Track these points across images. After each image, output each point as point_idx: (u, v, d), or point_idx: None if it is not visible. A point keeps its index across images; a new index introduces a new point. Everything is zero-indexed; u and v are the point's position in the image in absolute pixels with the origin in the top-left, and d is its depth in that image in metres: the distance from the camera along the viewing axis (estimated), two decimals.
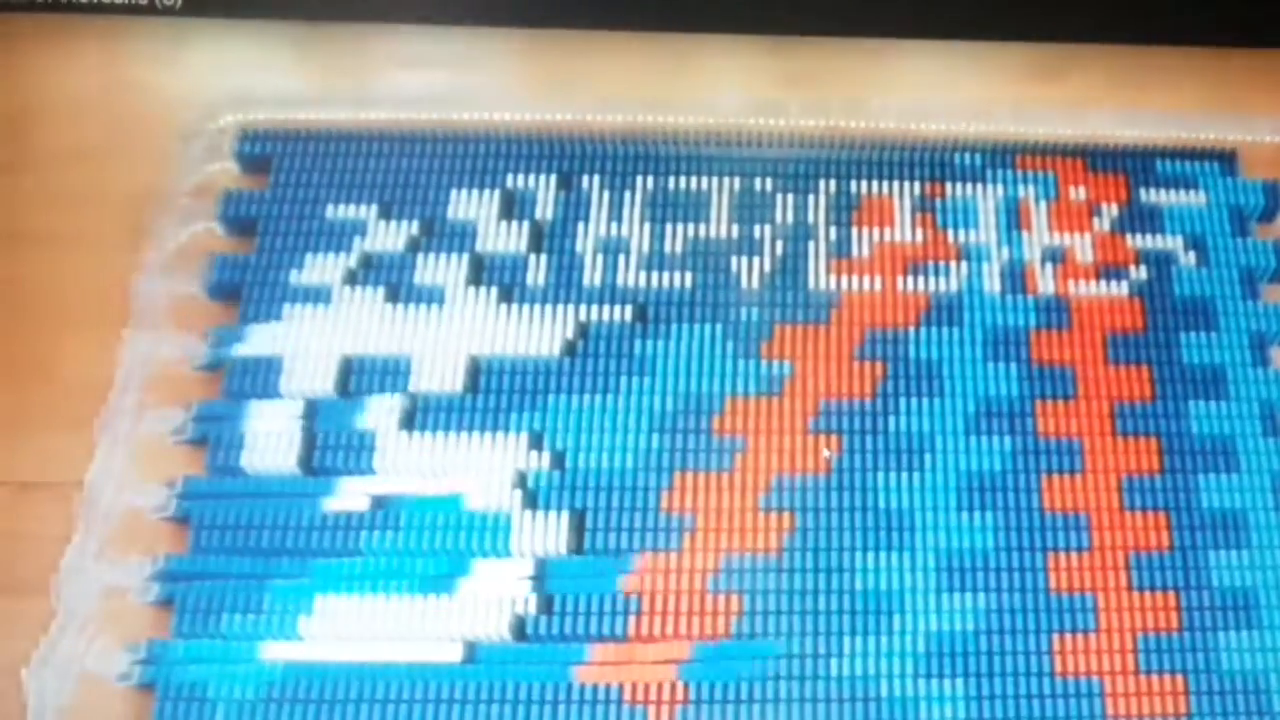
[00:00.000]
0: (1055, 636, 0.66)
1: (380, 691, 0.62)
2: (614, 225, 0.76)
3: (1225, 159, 0.81)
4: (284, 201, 0.76)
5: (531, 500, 0.68)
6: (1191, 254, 0.77)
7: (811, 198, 0.78)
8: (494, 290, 0.73)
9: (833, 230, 0.77)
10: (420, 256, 0.75)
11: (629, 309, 0.73)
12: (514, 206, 0.77)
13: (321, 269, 0.74)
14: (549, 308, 0.73)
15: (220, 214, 0.75)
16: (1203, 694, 0.64)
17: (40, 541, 0.65)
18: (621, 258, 0.75)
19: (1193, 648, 0.66)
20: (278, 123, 0.79)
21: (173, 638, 0.64)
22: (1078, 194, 0.79)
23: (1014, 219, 0.78)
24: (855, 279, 0.75)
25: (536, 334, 0.73)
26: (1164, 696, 0.64)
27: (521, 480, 0.68)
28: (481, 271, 0.75)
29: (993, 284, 0.75)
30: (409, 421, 0.70)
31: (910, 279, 0.75)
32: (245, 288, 0.73)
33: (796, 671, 0.64)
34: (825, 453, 0.69)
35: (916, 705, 0.63)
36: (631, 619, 0.65)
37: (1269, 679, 0.65)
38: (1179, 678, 0.65)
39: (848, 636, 0.65)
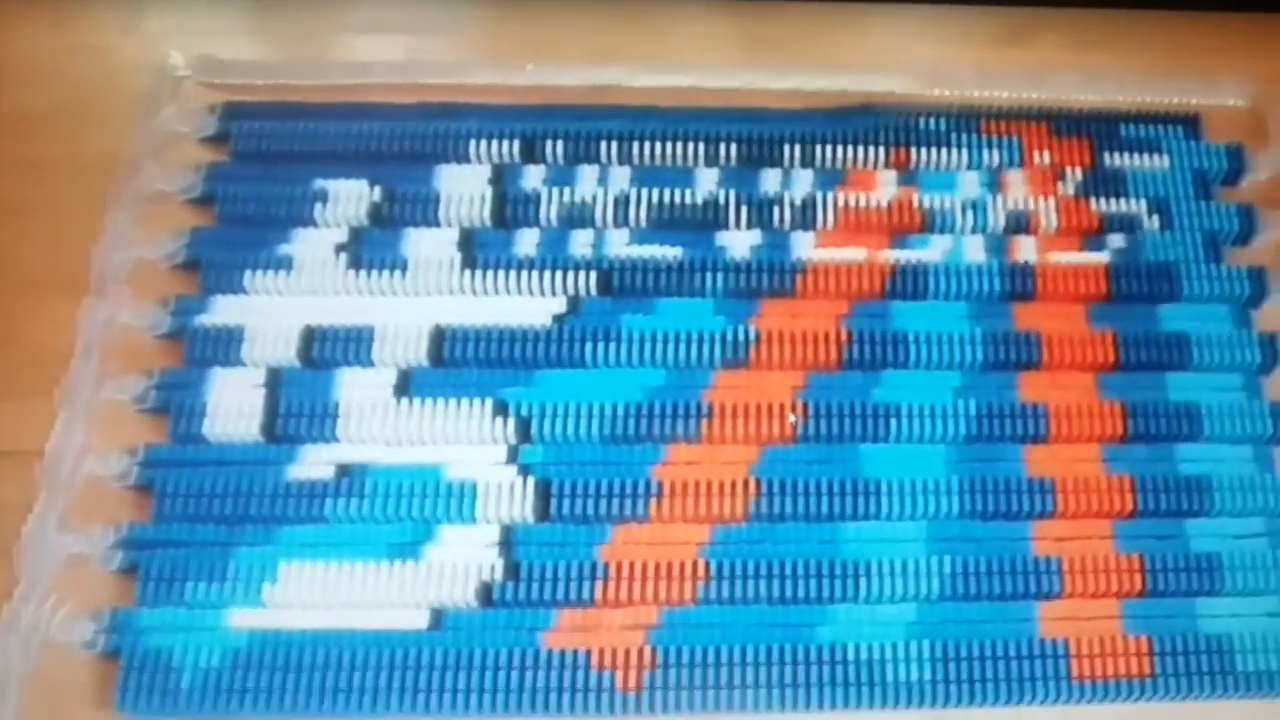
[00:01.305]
0: (1029, 601, 0.66)
1: (346, 658, 0.62)
2: (579, 192, 0.75)
3: (1189, 122, 0.82)
4: (245, 170, 0.76)
5: (499, 469, 0.68)
6: (1155, 218, 0.77)
7: (780, 165, 0.78)
8: (459, 259, 0.73)
9: (804, 197, 0.76)
10: (383, 225, 0.74)
11: (595, 278, 0.73)
12: (478, 174, 0.76)
13: (283, 238, 0.73)
14: (515, 276, 0.72)
15: (180, 183, 0.74)
16: (1167, 655, 0.65)
17: (2, 510, 0.65)
18: (588, 226, 0.75)
19: (1161, 613, 0.66)
20: (237, 89, 0.78)
21: (137, 606, 0.63)
22: (1042, 159, 0.79)
23: (985, 184, 0.78)
24: (829, 249, 0.75)
25: (502, 303, 0.72)
26: (1129, 658, 0.65)
27: (489, 449, 0.68)
28: (446, 240, 0.74)
29: (965, 251, 0.75)
30: (373, 390, 0.69)
31: (883, 247, 0.75)
32: (207, 257, 0.72)
33: (764, 637, 0.64)
34: (791, 418, 0.69)
35: (883, 667, 0.63)
36: (599, 585, 0.64)
37: (1232, 640, 0.65)
38: (1144, 639, 0.65)
39: (817, 602, 0.65)
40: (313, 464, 0.67)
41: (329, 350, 0.70)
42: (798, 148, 0.78)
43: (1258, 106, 0.82)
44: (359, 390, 0.69)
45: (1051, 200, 0.77)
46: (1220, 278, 0.75)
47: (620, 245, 0.74)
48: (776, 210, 0.76)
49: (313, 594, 0.64)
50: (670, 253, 0.74)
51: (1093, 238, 0.77)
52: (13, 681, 0.61)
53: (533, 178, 0.76)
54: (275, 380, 0.69)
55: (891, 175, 0.78)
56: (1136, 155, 0.79)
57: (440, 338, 0.70)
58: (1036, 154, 0.79)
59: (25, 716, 0.61)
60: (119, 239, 0.72)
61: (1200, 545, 0.68)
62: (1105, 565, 0.67)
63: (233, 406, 0.68)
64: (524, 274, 0.72)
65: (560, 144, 0.77)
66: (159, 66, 0.78)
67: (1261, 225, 0.77)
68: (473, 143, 0.76)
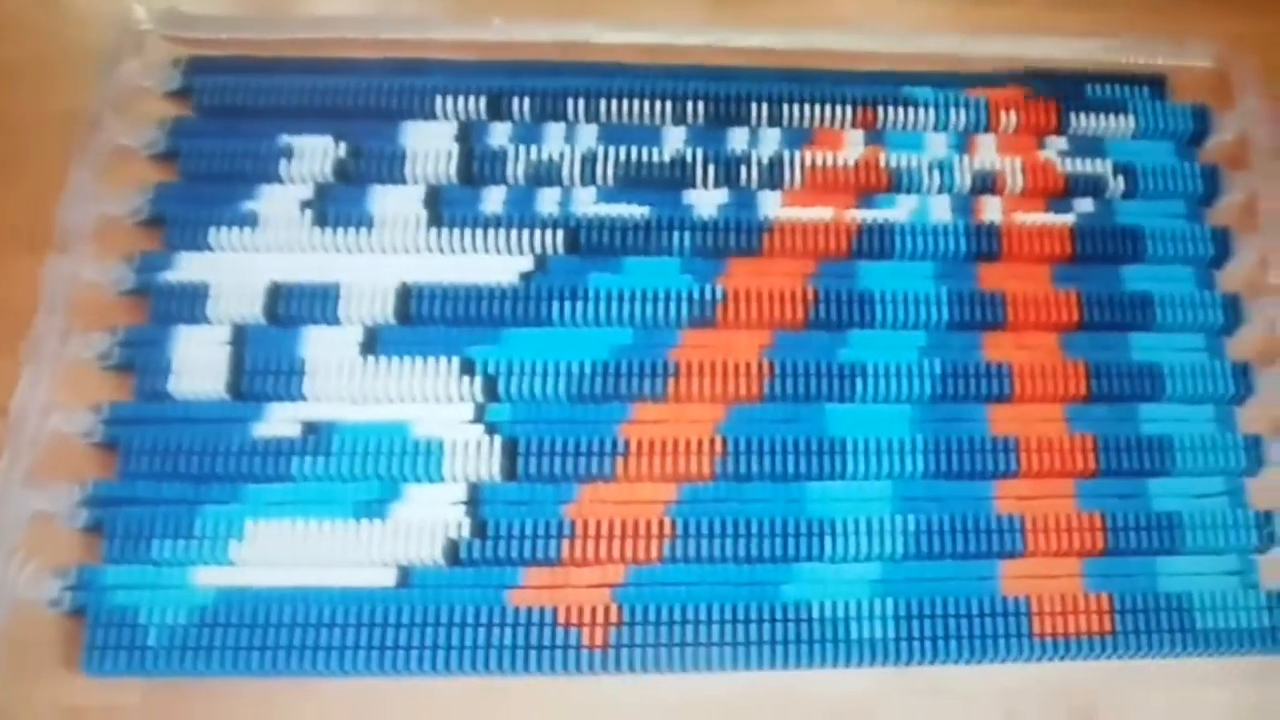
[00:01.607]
0: (992, 559, 0.67)
1: (313, 615, 0.62)
2: (546, 150, 0.75)
3: (1155, 83, 0.82)
4: (209, 125, 0.75)
5: (466, 427, 0.68)
6: (1120, 179, 0.77)
7: (747, 124, 0.77)
8: (425, 216, 0.72)
9: (771, 157, 0.76)
10: (348, 182, 0.74)
11: (562, 236, 0.72)
12: (445, 130, 0.76)
13: (248, 194, 0.73)
14: (481, 234, 0.72)
15: (144, 138, 0.73)
16: (1128, 612, 0.66)
17: None
18: (555, 184, 0.75)
19: (1122, 571, 0.67)
20: (202, 43, 0.78)
21: (103, 563, 0.63)
22: (1009, 120, 0.78)
23: (952, 145, 0.78)
24: (796, 209, 0.75)
25: (469, 261, 0.72)
26: (1090, 615, 0.66)
27: (456, 407, 0.68)
28: (412, 197, 0.73)
29: (931, 211, 0.76)
30: (340, 348, 0.69)
31: (849, 207, 0.75)
32: (171, 213, 0.72)
33: (730, 595, 0.64)
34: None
35: (848, 625, 0.64)
36: (566, 543, 0.65)
37: (1192, 598, 0.66)
38: (1105, 597, 0.66)
39: (783, 561, 0.66)
40: (279, 422, 0.67)
41: (295, 307, 0.70)
42: (765, 106, 0.77)
43: (1223, 67, 0.82)
44: (325, 348, 0.69)
45: (1018, 161, 0.77)
46: (1184, 238, 0.76)
47: (587, 203, 0.74)
48: (744, 169, 0.75)
49: (279, 552, 0.64)
50: (637, 211, 0.74)
51: (1059, 199, 0.77)
52: None
53: (499, 135, 0.76)
54: (241, 337, 0.69)
55: (859, 135, 0.77)
56: (1103, 117, 0.79)
57: (407, 295, 0.70)
58: (1004, 114, 0.78)
59: None
60: (82, 195, 0.71)
61: (1161, 504, 0.69)
62: (1067, 524, 0.67)
63: (198, 364, 0.68)
64: (491, 232, 0.72)
65: (527, 101, 0.76)
66: (122, 20, 0.77)
67: (1226, 186, 0.78)
68: (439, 99, 0.76)
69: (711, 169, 0.75)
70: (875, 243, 0.74)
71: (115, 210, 0.71)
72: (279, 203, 0.73)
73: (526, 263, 0.72)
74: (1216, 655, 0.67)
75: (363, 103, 0.76)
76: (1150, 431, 0.70)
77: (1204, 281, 0.75)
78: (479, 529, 0.65)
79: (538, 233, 0.72)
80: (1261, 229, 0.76)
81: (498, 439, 0.67)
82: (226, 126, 0.75)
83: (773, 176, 0.75)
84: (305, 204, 0.73)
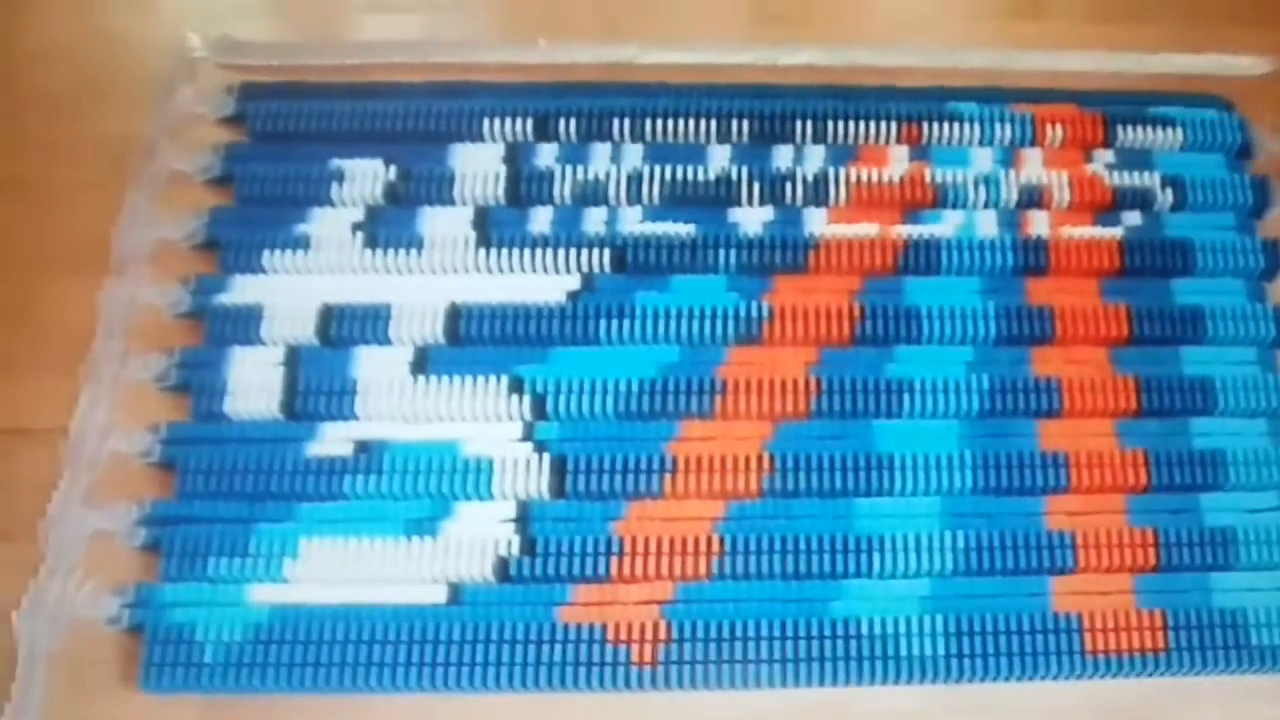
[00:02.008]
0: (1043, 575, 0.67)
1: (365, 632, 0.63)
2: (592, 170, 0.76)
3: (1204, 96, 0.81)
4: (262, 150, 0.76)
5: (515, 445, 0.68)
6: (1169, 192, 0.77)
7: (792, 141, 0.78)
8: (474, 237, 0.73)
9: (816, 173, 0.76)
10: (398, 204, 0.75)
11: (609, 255, 0.73)
12: (492, 152, 0.77)
13: (300, 217, 0.74)
14: (529, 253, 0.73)
15: (199, 163, 0.75)
16: (1181, 629, 0.65)
17: (27, 487, 0.66)
18: (602, 203, 0.75)
19: (1175, 588, 0.67)
20: (254, 70, 0.79)
21: (160, 581, 0.64)
22: (1055, 133, 0.78)
23: (998, 160, 0.78)
24: (842, 225, 0.75)
25: (517, 281, 0.73)
26: (1143, 632, 0.65)
27: (505, 426, 0.69)
28: (460, 218, 0.74)
29: (978, 226, 0.75)
30: (391, 367, 0.70)
31: (895, 222, 0.75)
32: (225, 236, 0.73)
33: (779, 612, 0.64)
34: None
35: (897, 642, 0.64)
36: (614, 560, 0.65)
37: (1246, 614, 0.66)
38: (1158, 614, 0.65)
39: (831, 577, 0.66)
40: (332, 441, 0.68)
41: (347, 328, 0.71)
42: (809, 123, 0.78)
43: (1275, 78, 0.81)
44: (377, 368, 0.70)
45: (1065, 175, 0.77)
46: (1234, 251, 0.75)
47: (634, 222, 0.74)
48: (789, 186, 0.76)
49: (332, 569, 0.65)
50: (683, 230, 0.74)
51: (1106, 213, 0.76)
52: (39, 658, 0.62)
53: (546, 155, 0.76)
54: (294, 358, 0.70)
55: (904, 151, 0.78)
56: (1151, 129, 0.79)
57: (456, 315, 0.71)
58: (1050, 128, 0.78)
59: (51, 693, 0.62)
60: (139, 219, 0.73)
61: (1214, 520, 0.68)
62: (1119, 540, 0.67)
63: (253, 384, 0.69)
64: (538, 251, 0.73)
65: (573, 121, 0.77)
66: (176, 48, 0.79)
67: (1276, 198, 0.77)
68: (486, 121, 0.77)
69: (756, 187, 0.75)
70: (921, 258, 0.74)
71: (171, 234, 0.73)
72: (331, 225, 0.74)
73: (574, 282, 0.73)
74: (1272, 672, 0.66)
75: (411, 126, 0.77)
76: (1202, 446, 0.70)
77: (1255, 294, 0.75)
78: (528, 546, 0.65)
79: (585, 252, 0.73)
80: None
81: (546, 457, 0.67)
82: (279, 151, 0.76)
83: (818, 193, 0.76)
84: (356, 226, 0.74)
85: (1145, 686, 0.66)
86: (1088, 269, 0.75)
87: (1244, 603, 0.66)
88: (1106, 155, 0.78)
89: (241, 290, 0.72)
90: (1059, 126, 0.78)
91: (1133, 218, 0.76)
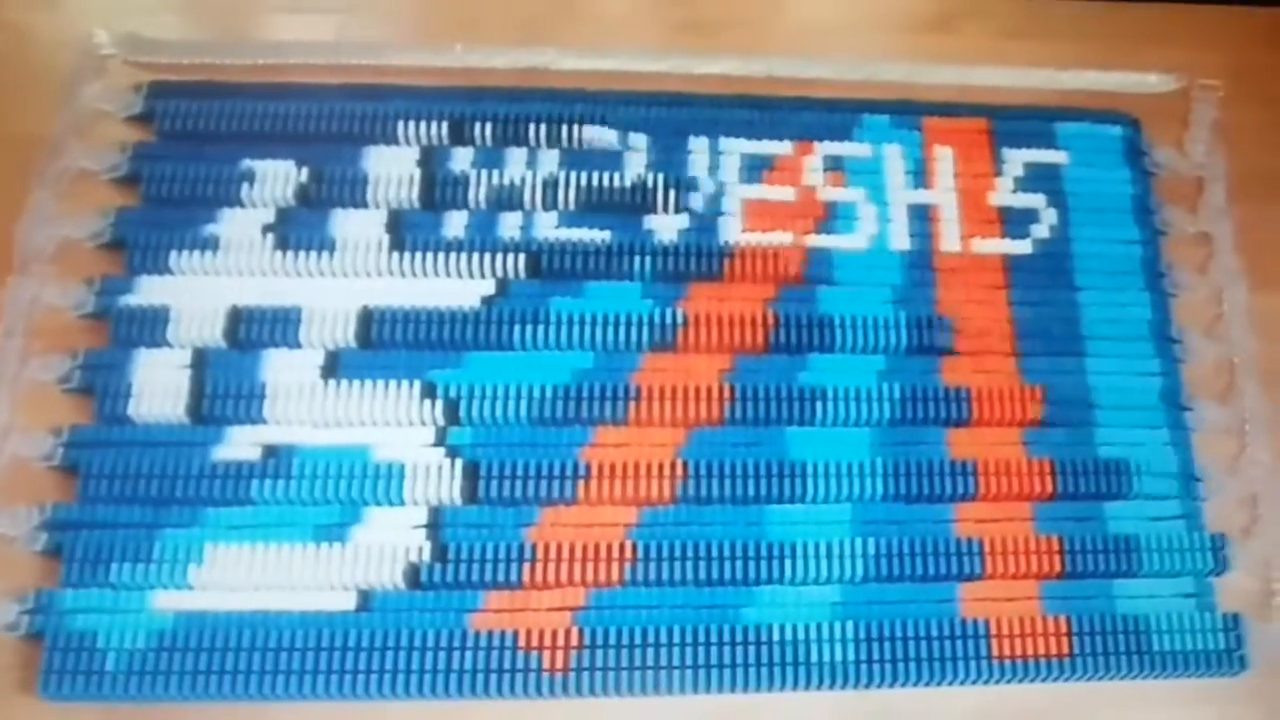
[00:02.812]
0: (951, 582, 0.68)
1: (273, 640, 0.62)
2: (508, 175, 0.75)
3: (1113, 114, 0.82)
4: (171, 149, 0.75)
5: (427, 450, 0.68)
6: (1053, 211, 0.78)
7: (707, 150, 0.78)
8: (387, 240, 0.73)
9: (730, 182, 0.77)
10: (310, 206, 0.74)
11: (524, 260, 0.73)
12: (407, 155, 0.76)
13: (209, 218, 0.73)
14: (443, 258, 0.72)
15: (105, 162, 0.73)
16: (1085, 635, 0.67)
17: None
18: (517, 209, 0.75)
19: (1079, 594, 0.68)
20: (163, 68, 0.77)
21: (61, 587, 0.63)
22: (953, 150, 0.79)
23: (909, 171, 0.79)
24: (756, 234, 0.75)
25: (431, 285, 0.72)
26: (1048, 638, 0.66)
27: (417, 431, 0.68)
28: (374, 221, 0.74)
29: (890, 238, 0.76)
30: (300, 371, 0.69)
31: (809, 232, 0.76)
32: (132, 236, 0.71)
33: (691, 618, 0.65)
34: None
35: (808, 648, 0.64)
36: (527, 566, 0.65)
37: (1148, 620, 0.67)
38: (1063, 619, 0.67)
39: (743, 584, 0.66)
40: (239, 445, 0.67)
41: (255, 331, 0.70)
42: (723, 134, 0.78)
43: (1180, 96, 0.83)
44: (286, 371, 0.69)
45: (972, 187, 0.78)
46: (1125, 262, 0.77)
47: (549, 228, 0.74)
48: (703, 194, 0.76)
49: (239, 576, 0.64)
50: (598, 236, 0.74)
51: (1007, 227, 0.77)
52: None
53: (461, 160, 0.76)
54: (201, 361, 0.69)
55: (818, 161, 0.78)
56: (1047, 149, 0.80)
57: (368, 319, 0.70)
58: (955, 144, 0.79)
59: None
60: (43, 217, 0.71)
61: (1118, 528, 0.70)
62: (1025, 547, 0.68)
63: (158, 387, 0.68)
64: (452, 256, 0.72)
65: (489, 126, 0.76)
66: (83, 44, 0.77)
67: (1162, 210, 0.79)
68: (401, 124, 0.76)
69: (672, 194, 0.76)
70: (834, 268, 0.74)
71: (76, 233, 0.71)
72: (240, 226, 0.73)
73: (488, 286, 0.72)
74: (1173, 677, 0.67)
75: (325, 128, 0.76)
76: (1106, 455, 0.71)
77: (1157, 303, 0.76)
78: (440, 552, 0.65)
79: (499, 257, 0.72)
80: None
81: (459, 462, 0.67)
82: (188, 151, 0.75)
83: (730, 202, 0.76)
84: (267, 228, 0.73)
85: (1051, 691, 0.67)
86: (993, 282, 0.76)
87: (1147, 609, 0.68)
88: (1016, 169, 0.79)
89: (148, 291, 0.70)
90: (967, 140, 0.80)
91: (1039, 232, 0.77)
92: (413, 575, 0.64)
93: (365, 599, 0.64)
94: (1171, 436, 0.73)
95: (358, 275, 0.72)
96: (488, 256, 0.72)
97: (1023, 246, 0.77)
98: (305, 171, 0.74)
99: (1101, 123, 0.82)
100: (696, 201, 0.76)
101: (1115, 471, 0.71)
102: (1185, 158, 0.81)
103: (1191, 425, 0.73)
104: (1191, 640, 0.67)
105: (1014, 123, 0.81)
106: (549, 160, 0.76)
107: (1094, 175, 0.80)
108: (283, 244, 0.72)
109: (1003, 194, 0.78)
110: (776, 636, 0.64)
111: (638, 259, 0.73)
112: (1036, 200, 0.78)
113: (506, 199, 0.75)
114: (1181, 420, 0.73)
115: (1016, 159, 0.80)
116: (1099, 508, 0.70)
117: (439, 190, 0.74)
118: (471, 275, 0.72)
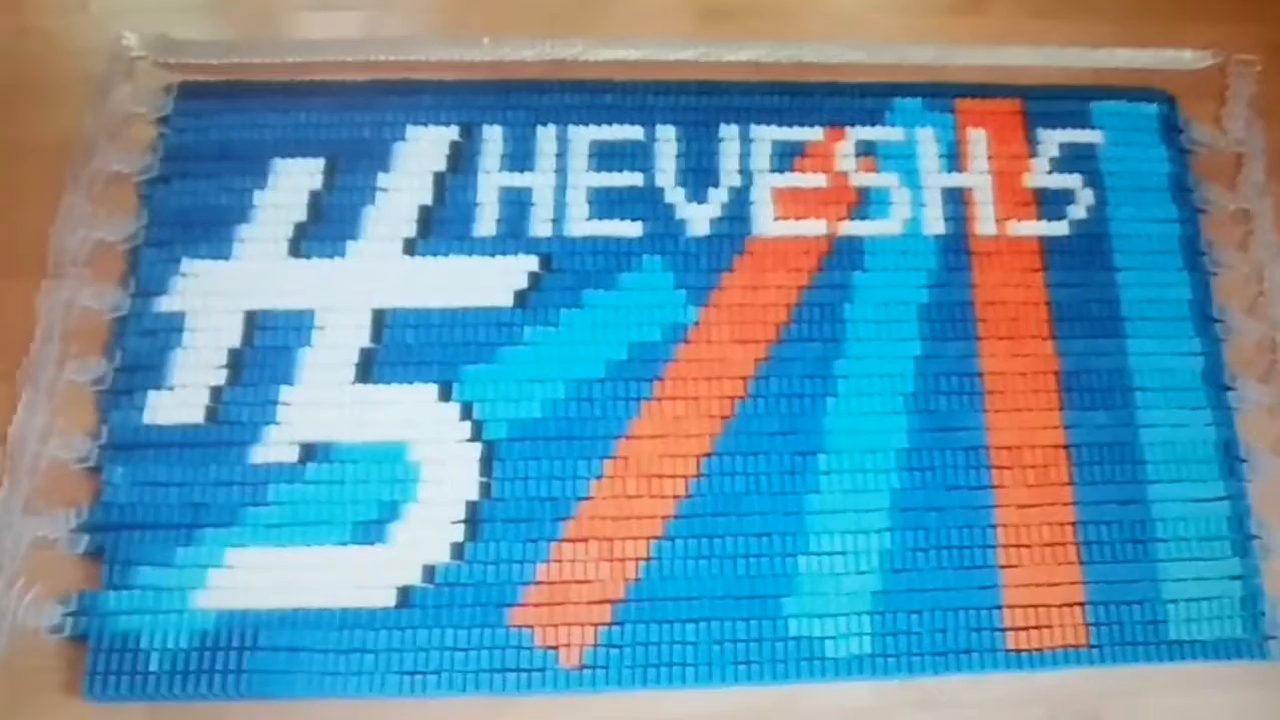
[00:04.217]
0: (992, 569, 0.67)
1: (312, 638, 0.63)
2: (536, 169, 0.75)
3: (1149, 90, 0.81)
4: (187, 150, 0.75)
5: (461, 447, 0.68)
6: (1089, 192, 0.77)
7: (738, 139, 0.77)
8: (416, 240, 0.73)
9: (762, 171, 0.76)
10: (336, 207, 0.74)
11: (554, 255, 0.73)
12: (434, 153, 0.76)
13: (240, 218, 0.73)
14: (472, 256, 0.72)
15: (137, 164, 0.73)
16: (1101, 625, 0.66)
17: None
18: (546, 203, 0.75)
19: (1123, 577, 0.68)
20: (192, 69, 0.77)
21: (103, 589, 0.63)
22: (996, 132, 0.79)
23: (942, 155, 0.78)
24: (788, 223, 0.75)
25: (460, 284, 0.72)
26: (1064, 629, 0.66)
27: (451, 428, 0.68)
28: (401, 220, 0.74)
29: (924, 223, 0.75)
30: (332, 372, 0.69)
31: (842, 219, 0.75)
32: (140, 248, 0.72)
33: (730, 609, 0.65)
34: None
35: (823, 644, 0.65)
36: (564, 560, 0.65)
37: (1165, 609, 0.67)
38: (1077, 609, 0.67)
39: (783, 574, 0.66)
40: (276, 446, 0.67)
41: (273, 336, 0.70)
42: (753, 121, 0.78)
43: (1216, 72, 0.82)
44: (318, 373, 0.69)
45: (1008, 170, 0.77)
46: (1154, 234, 0.76)
47: (579, 221, 0.74)
48: (735, 184, 0.76)
49: (279, 575, 0.64)
50: (630, 228, 0.74)
51: (1043, 209, 0.77)
52: None
53: (491, 154, 0.76)
54: (236, 363, 0.69)
55: (850, 146, 0.77)
56: (1082, 128, 0.79)
57: (395, 320, 0.70)
58: (989, 125, 0.78)
59: None
60: (77, 221, 0.71)
61: (1161, 510, 0.69)
62: (1065, 534, 0.68)
63: (190, 391, 0.68)
64: (482, 254, 0.72)
65: (518, 118, 0.76)
66: (113, 47, 0.77)
67: (1200, 188, 0.78)
68: (430, 118, 0.76)
69: (703, 185, 0.75)
70: (868, 254, 0.74)
71: (110, 236, 0.71)
72: (269, 228, 0.73)
73: (520, 281, 0.72)
74: (1222, 662, 0.67)
75: (350, 129, 0.75)
76: (1147, 437, 0.71)
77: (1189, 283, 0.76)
78: (477, 548, 0.65)
79: (530, 252, 0.73)
80: None
81: (494, 458, 0.67)
82: (218, 151, 0.75)
83: (761, 191, 0.75)
84: (295, 229, 0.73)
85: (1095, 676, 0.67)
86: (1021, 265, 0.75)
87: (1192, 592, 0.68)
88: (1052, 150, 0.78)
89: (170, 299, 0.71)
90: (997, 125, 0.79)
91: (1074, 213, 0.76)
92: (452, 571, 0.64)
93: (405, 596, 0.64)
94: (1214, 417, 0.72)
95: (387, 276, 0.72)
96: (519, 252, 0.72)
97: (1059, 228, 0.76)
98: (331, 173, 0.74)
99: (1137, 100, 0.81)
100: (725, 193, 0.75)
101: (1157, 453, 0.70)
102: (1223, 134, 0.80)
103: (1234, 405, 0.72)
104: (1209, 628, 0.67)
105: (1048, 103, 0.80)
106: (579, 153, 0.76)
107: (1130, 154, 0.79)
108: (295, 249, 0.72)
109: (1038, 175, 0.77)
110: (795, 631, 0.65)
111: (670, 250, 0.73)
112: (1073, 181, 0.77)
113: (537, 193, 0.74)
114: (1224, 400, 0.72)
115: (1051, 139, 0.78)
116: (1141, 489, 0.70)
117: (467, 187, 0.74)
118: (503, 271, 0.72)
